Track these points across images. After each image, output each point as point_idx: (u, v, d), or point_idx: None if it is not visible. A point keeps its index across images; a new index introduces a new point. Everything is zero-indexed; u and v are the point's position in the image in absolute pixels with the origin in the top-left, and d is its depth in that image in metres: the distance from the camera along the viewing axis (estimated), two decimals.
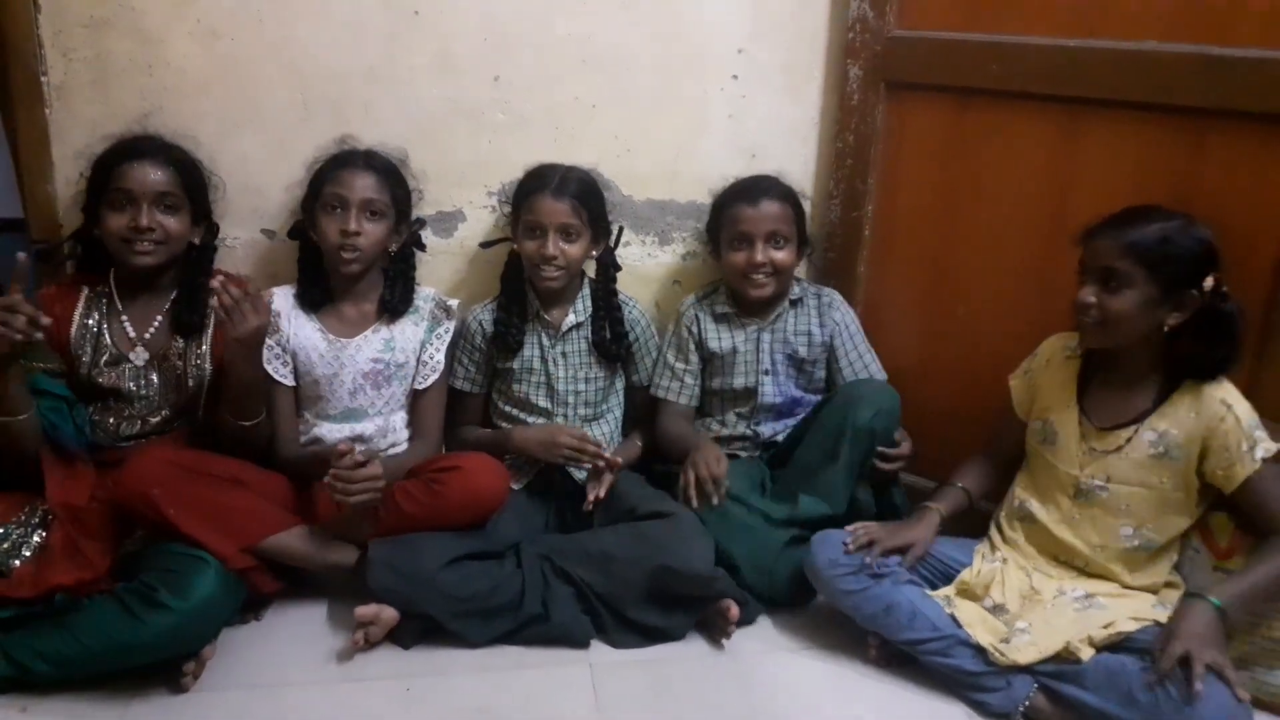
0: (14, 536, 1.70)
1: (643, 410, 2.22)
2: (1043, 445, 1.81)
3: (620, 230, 2.17)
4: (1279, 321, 1.70)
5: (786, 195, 2.08)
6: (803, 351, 2.13)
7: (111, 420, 1.88)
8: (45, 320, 1.63)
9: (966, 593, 1.76)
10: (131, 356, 1.88)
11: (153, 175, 1.82)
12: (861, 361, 2.13)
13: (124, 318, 1.89)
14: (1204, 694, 1.45)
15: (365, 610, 1.75)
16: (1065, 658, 1.61)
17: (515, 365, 2.10)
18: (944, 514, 1.87)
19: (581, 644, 1.81)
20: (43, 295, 1.86)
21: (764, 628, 1.90)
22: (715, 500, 1.89)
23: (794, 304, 2.14)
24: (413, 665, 1.76)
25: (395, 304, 2.02)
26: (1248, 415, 1.63)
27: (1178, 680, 1.49)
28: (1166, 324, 1.64)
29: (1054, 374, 1.83)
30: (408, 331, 2.04)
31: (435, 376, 2.05)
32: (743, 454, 2.13)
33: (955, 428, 2.07)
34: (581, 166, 2.09)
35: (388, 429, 2.03)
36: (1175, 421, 1.67)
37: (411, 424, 2.07)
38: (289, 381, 1.99)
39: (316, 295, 2.01)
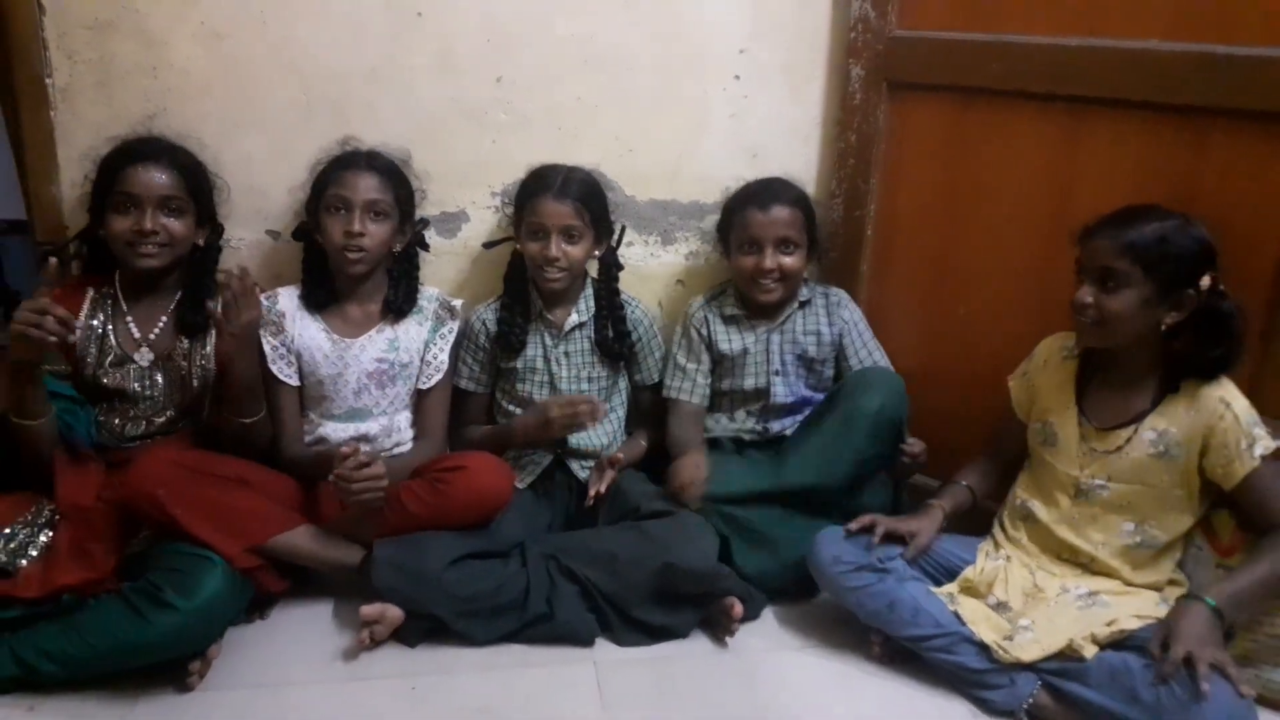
0: (20, 537, 1.71)
1: (646, 409, 2.23)
2: (1043, 446, 1.81)
3: (623, 230, 2.17)
4: None
5: (798, 200, 2.09)
6: (812, 351, 2.13)
7: (116, 421, 1.89)
8: (77, 323, 1.63)
9: (970, 590, 1.77)
10: (136, 357, 1.88)
11: (157, 178, 1.83)
12: (871, 360, 2.14)
13: (129, 318, 1.90)
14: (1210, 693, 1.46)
15: (370, 609, 1.75)
16: (1068, 655, 1.61)
17: (518, 365, 2.10)
18: (947, 510, 1.87)
19: (586, 643, 1.82)
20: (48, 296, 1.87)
21: (768, 625, 1.90)
22: (693, 507, 1.92)
23: (803, 305, 2.15)
24: (418, 664, 1.76)
25: (399, 304, 2.02)
26: (1246, 412, 1.63)
27: (1182, 679, 1.49)
28: (1164, 323, 1.64)
29: (1051, 375, 1.83)
30: (412, 331, 2.04)
31: (439, 376, 2.05)
32: (755, 453, 2.13)
33: (957, 427, 2.07)
34: (583, 167, 2.09)
35: (392, 429, 2.04)
36: (1174, 420, 1.67)
37: (416, 424, 2.07)
38: (294, 382, 1.99)
39: (321, 296, 2.01)
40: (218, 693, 1.66)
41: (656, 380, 2.20)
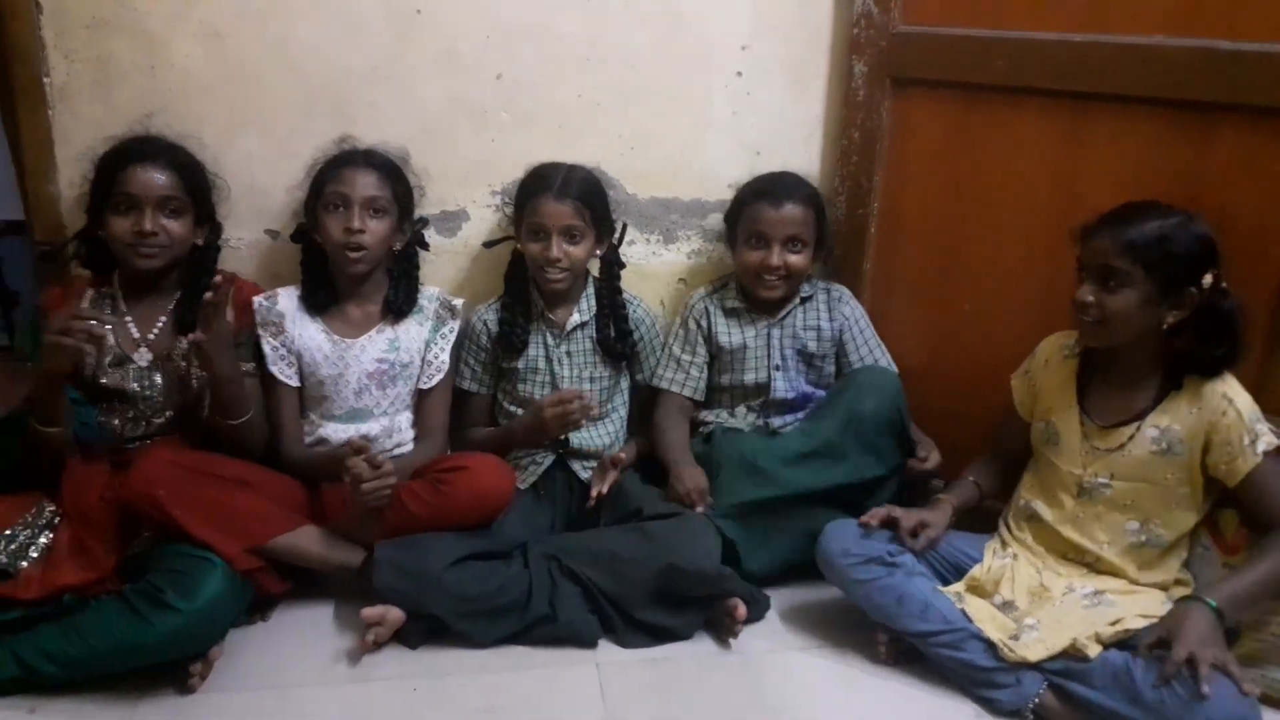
0: (21, 538, 1.70)
1: (648, 409, 2.22)
2: (1046, 445, 1.81)
3: (624, 228, 2.16)
4: None
5: (810, 199, 2.08)
6: (812, 346, 2.13)
7: (116, 421, 1.88)
8: (103, 330, 1.64)
9: (976, 589, 1.76)
10: (135, 357, 1.88)
11: (156, 179, 1.82)
12: (872, 356, 2.13)
13: (128, 319, 1.89)
14: (1212, 693, 1.45)
15: (371, 611, 1.75)
16: (1073, 654, 1.60)
17: (520, 365, 2.09)
18: (955, 505, 1.87)
19: (589, 644, 1.81)
20: (48, 296, 1.87)
21: (772, 626, 1.89)
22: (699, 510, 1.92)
23: (804, 300, 2.14)
24: (419, 665, 1.75)
25: (399, 304, 2.02)
26: (1249, 409, 1.63)
27: (1183, 680, 1.48)
28: (1166, 321, 1.63)
29: (1053, 374, 1.82)
30: (412, 331, 2.03)
31: (440, 376, 2.05)
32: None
33: (962, 425, 2.06)
34: (584, 165, 2.08)
35: (393, 429, 2.03)
36: (1177, 417, 1.66)
37: (417, 424, 2.07)
38: (294, 382, 1.99)
39: (321, 297, 2.00)
40: (219, 695, 1.66)
41: None
